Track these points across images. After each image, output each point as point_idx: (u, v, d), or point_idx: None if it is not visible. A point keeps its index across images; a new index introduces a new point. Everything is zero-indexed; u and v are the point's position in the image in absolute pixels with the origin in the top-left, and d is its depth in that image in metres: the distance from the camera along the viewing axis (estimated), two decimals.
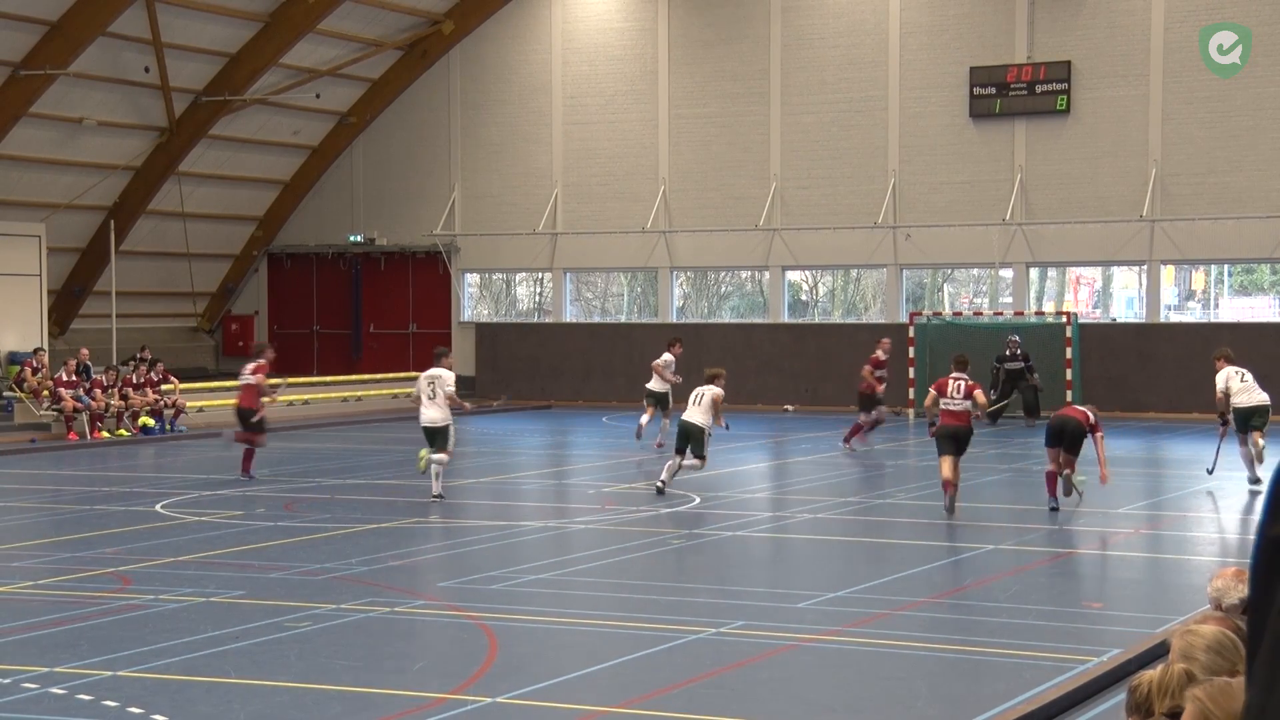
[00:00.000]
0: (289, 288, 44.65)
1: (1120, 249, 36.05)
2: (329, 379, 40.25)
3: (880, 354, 28.22)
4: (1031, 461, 26.15)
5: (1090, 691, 10.49)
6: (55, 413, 31.36)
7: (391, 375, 41.11)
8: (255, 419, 24.02)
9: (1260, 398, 21.98)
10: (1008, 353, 33.60)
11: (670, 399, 28.22)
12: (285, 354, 44.38)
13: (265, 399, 24.34)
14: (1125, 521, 19.55)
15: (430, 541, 17.40)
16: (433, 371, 21.74)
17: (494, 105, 41.62)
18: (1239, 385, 22.07)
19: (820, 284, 41.56)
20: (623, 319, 42.03)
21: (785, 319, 39.44)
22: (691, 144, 39.56)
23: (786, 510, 20.35)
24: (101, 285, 38.43)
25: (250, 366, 24.39)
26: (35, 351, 33.21)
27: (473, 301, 43.58)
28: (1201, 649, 4.21)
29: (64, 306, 39.20)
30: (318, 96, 40.12)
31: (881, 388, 27.72)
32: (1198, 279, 38.46)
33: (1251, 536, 2.82)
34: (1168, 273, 37.10)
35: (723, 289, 42.52)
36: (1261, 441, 21.79)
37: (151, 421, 32.21)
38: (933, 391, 19.76)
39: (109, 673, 11.03)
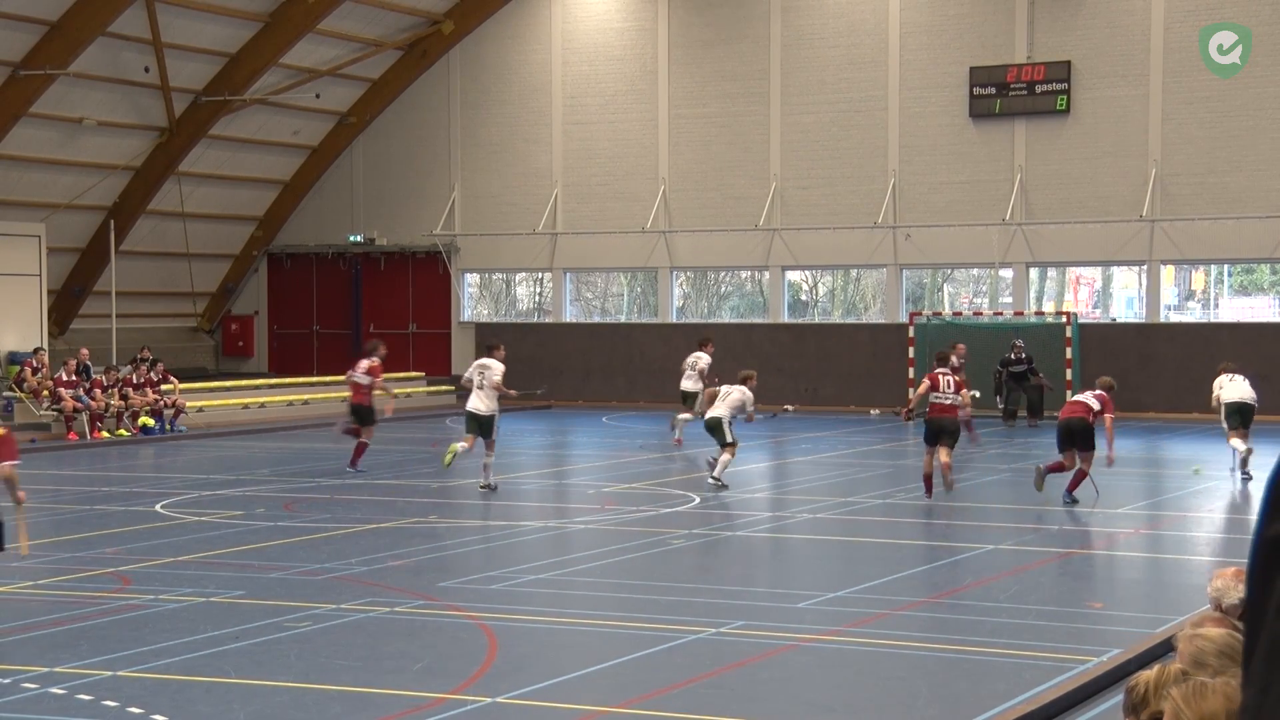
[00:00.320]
0: (289, 288, 44.65)
1: (1120, 249, 36.05)
2: (329, 379, 40.22)
3: (955, 360, 27.30)
4: (1032, 461, 26.16)
5: (1090, 691, 10.50)
6: (55, 413, 31.37)
7: (391, 375, 41.05)
8: (369, 414, 24.86)
9: (1244, 393, 23.00)
10: (1011, 356, 33.57)
11: (699, 399, 28.00)
12: (285, 354, 44.46)
13: (378, 392, 25.15)
14: (1125, 521, 19.56)
15: (430, 541, 17.40)
16: (483, 361, 22.48)
17: (494, 105, 41.62)
18: (1227, 382, 23.33)
19: (820, 284, 41.57)
20: (623, 319, 42.03)
21: (785, 319, 39.45)
22: (691, 144, 39.57)
23: (786, 510, 20.35)
24: (101, 285, 38.43)
25: (364, 365, 25.22)
26: (35, 351, 33.22)
27: (473, 301, 43.58)
28: (1213, 654, 4.22)
29: (64, 306, 39.20)
30: (318, 96, 40.12)
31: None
32: (1198, 279, 38.47)
33: (1250, 536, 2.82)
34: (1168, 273, 37.10)
35: (723, 289, 42.53)
36: (1243, 445, 22.73)
37: (151, 421, 32.21)
38: (926, 383, 20.93)
39: (109, 673, 11.04)
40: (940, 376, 20.80)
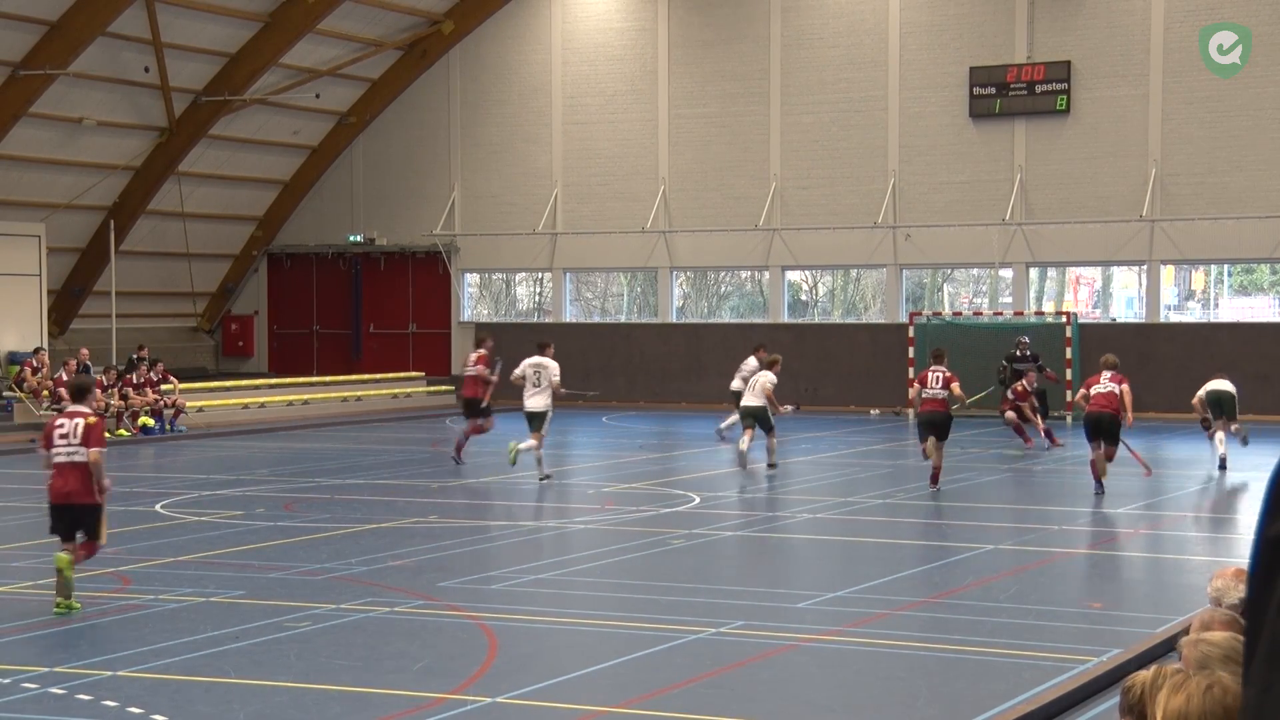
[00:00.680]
0: (289, 288, 44.65)
1: (1120, 249, 36.05)
2: (329, 379, 40.27)
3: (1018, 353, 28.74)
4: (1032, 461, 26.17)
5: (1090, 691, 10.50)
6: (55, 413, 31.34)
7: (391, 375, 41.16)
8: (483, 406, 25.16)
9: (1224, 385, 24.64)
10: (1017, 353, 33.48)
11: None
12: (285, 354, 44.46)
13: (488, 384, 25.46)
14: (1125, 521, 19.56)
15: (430, 541, 17.40)
16: (536, 359, 23.25)
17: (494, 105, 41.62)
18: (1213, 379, 25.06)
19: (820, 284, 41.57)
20: (622, 319, 42.03)
21: (785, 319, 39.45)
22: (691, 144, 39.57)
23: (786, 510, 20.35)
24: (101, 285, 38.43)
25: (473, 357, 25.73)
26: (35, 351, 33.22)
27: (472, 301, 43.58)
28: (1218, 659, 4.22)
29: (64, 306, 39.20)
30: (317, 96, 40.13)
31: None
32: (1197, 279, 38.47)
33: (1250, 536, 2.83)
34: (1167, 273, 37.10)
35: (722, 289, 42.53)
36: (1223, 434, 24.23)
37: (151, 421, 32.21)
38: (916, 383, 22.60)
39: (109, 673, 11.04)
40: (929, 373, 22.12)
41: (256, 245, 43.84)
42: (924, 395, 21.89)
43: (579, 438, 33.08)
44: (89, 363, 32.87)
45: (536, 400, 22.91)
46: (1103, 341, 35.53)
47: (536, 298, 43.70)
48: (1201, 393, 24.96)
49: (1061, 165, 36.19)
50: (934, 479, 21.57)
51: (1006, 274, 37.63)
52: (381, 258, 43.35)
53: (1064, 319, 35.30)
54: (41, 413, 31.66)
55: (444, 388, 41.18)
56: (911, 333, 35.82)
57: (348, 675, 10.96)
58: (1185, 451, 27.43)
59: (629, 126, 40.13)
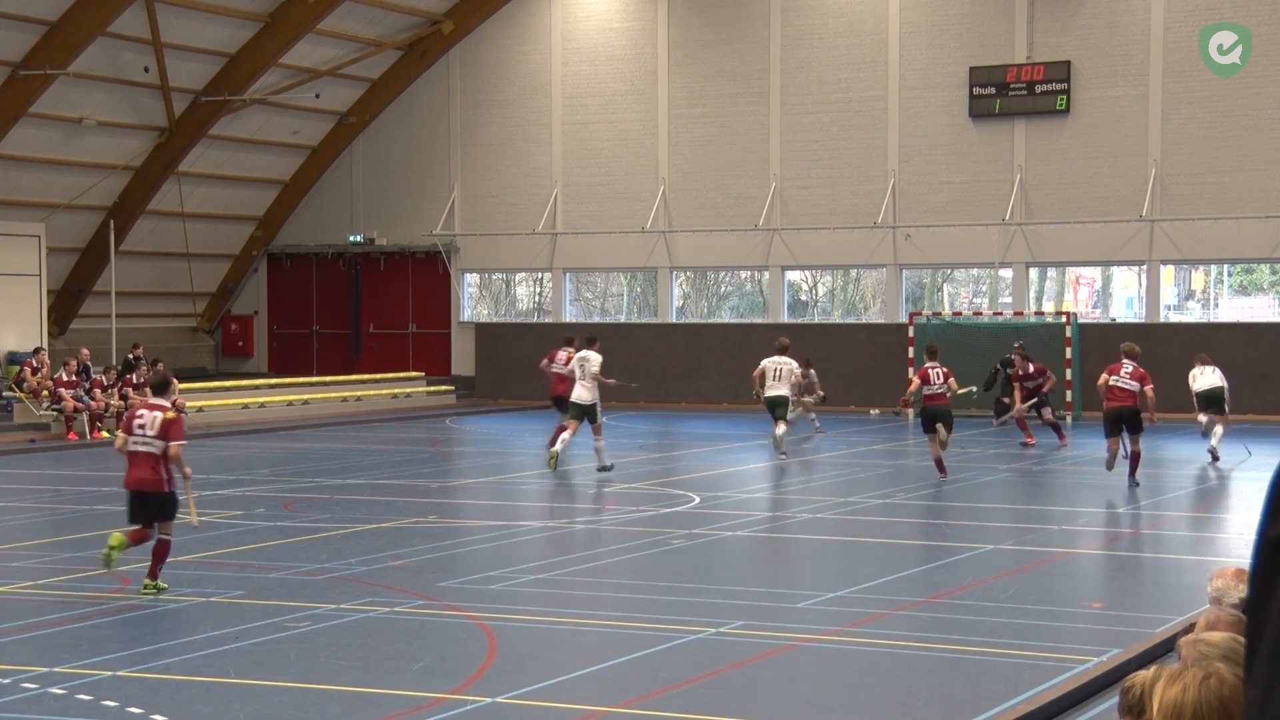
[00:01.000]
0: (289, 288, 44.65)
1: (1120, 249, 36.05)
2: (329, 379, 40.28)
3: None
4: (1031, 462, 26.17)
5: (1090, 691, 10.49)
6: (55, 413, 31.37)
7: (391, 375, 41.16)
8: (565, 402, 25.93)
9: (1212, 382, 25.72)
10: (1012, 358, 33.49)
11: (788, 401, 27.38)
12: (285, 354, 44.47)
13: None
14: (1125, 521, 19.56)
15: (430, 541, 17.40)
16: (582, 353, 24.56)
17: (494, 105, 41.62)
18: (1199, 375, 25.93)
19: (820, 284, 41.57)
20: (622, 319, 42.02)
21: (785, 319, 39.43)
22: (691, 144, 39.57)
23: (786, 510, 20.35)
24: (101, 285, 38.43)
25: (562, 356, 26.66)
26: (35, 351, 33.22)
27: (472, 301, 43.58)
28: (1216, 659, 4.22)
29: (64, 306, 39.20)
30: (317, 96, 40.12)
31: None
32: (1197, 279, 38.48)
33: (1251, 535, 2.83)
34: (1167, 273, 37.10)
35: (722, 289, 42.53)
36: (1219, 428, 25.32)
37: None
38: (916, 380, 23.58)
39: (109, 673, 11.04)
40: (930, 370, 23.25)
41: (256, 245, 43.84)
42: (925, 391, 23.07)
43: (579, 437, 33.05)
44: (89, 363, 32.89)
45: (582, 392, 24.14)
46: (1103, 341, 35.55)
47: (536, 298, 43.70)
48: (1192, 385, 25.89)
49: (1061, 165, 36.19)
50: (941, 469, 22.64)
51: (1006, 274, 37.63)
52: (381, 258, 43.35)
53: (1064, 319, 35.29)
54: (41, 413, 31.67)
55: (444, 388, 41.21)
56: (911, 333, 35.80)
57: (348, 675, 10.96)
58: (1185, 451, 27.43)
59: (629, 126, 40.13)
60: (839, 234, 38.03)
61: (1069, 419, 33.44)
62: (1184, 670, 3.54)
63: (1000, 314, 36.25)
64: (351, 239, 43.26)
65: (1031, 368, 29.37)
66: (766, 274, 39.77)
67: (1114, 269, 38.32)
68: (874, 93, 37.70)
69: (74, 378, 31.52)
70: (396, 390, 40.09)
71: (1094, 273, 39.01)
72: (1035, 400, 29.21)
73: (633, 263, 40.80)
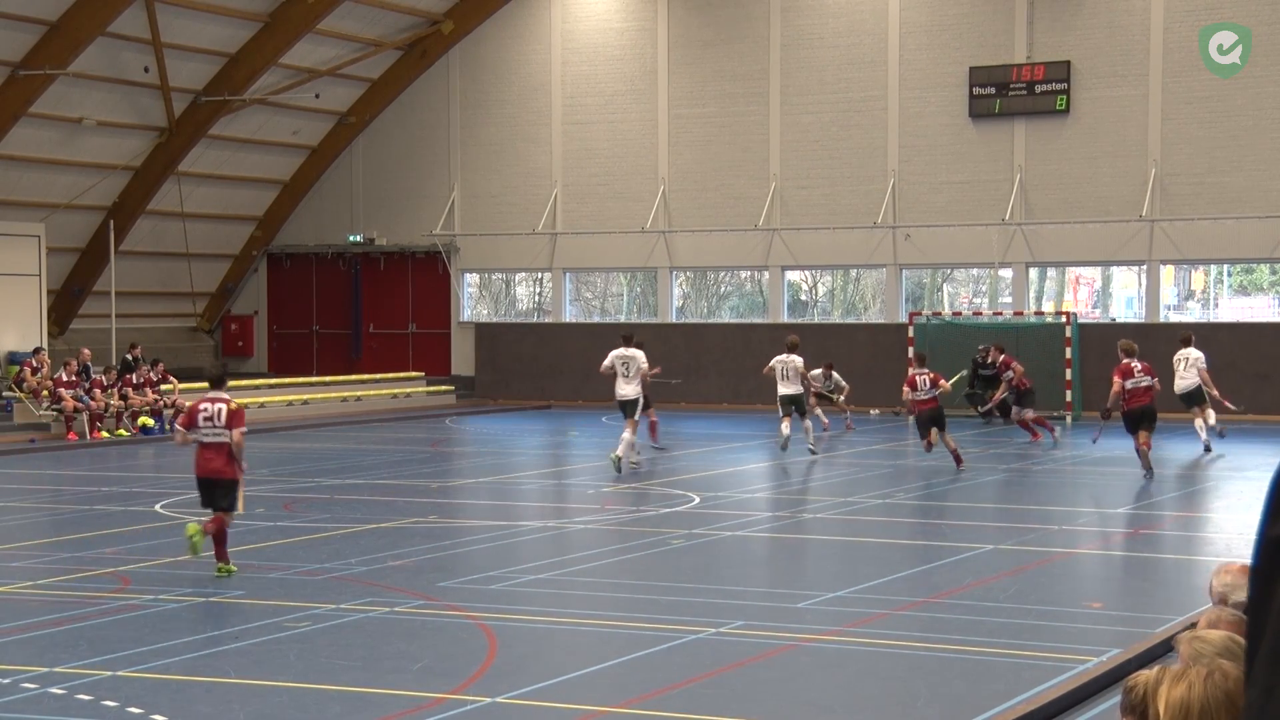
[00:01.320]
0: (288, 288, 44.65)
1: (1120, 249, 36.05)
2: (329, 379, 40.28)
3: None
4: (1031, 462, 26.18)
5: (1090, 691, 10.49)
6: (55, 413, 31.37)
7: (391, 375, 41.16)
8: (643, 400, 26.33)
9: (1187, 384, 26.92)
10: (982, 359, 33.89)
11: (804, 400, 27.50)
12: (285, 354, 44.46)
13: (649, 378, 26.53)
14: (1125, 521, 19.56)
15: (430, 541, 17.40)
16: (624, 351, 24.83)
17: (494, 105, 41.62)
18: (1181, 370, 26.91)
19: (820, 284, 41.57)
20: (622, 319, 42.01)
21: (785, 319, 39.43)
22: (691, 144, 39.57)
23: (786, 510, 20.35)
24: (101, 285, 38.43)
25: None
26: (35, 351, 33.21)
27: (472, 301, 43.58)
28: (1214, 657, 4.22)
29: (63, 306, 39.19)
30: (317, 96, 40.12)
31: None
32: (1197, 279, 38.47)
33: (1251, 534, 2.83)
34: (1167, 273, 37.10)
35: (722, 289, 42.52)
36: (1201, 422, 26.62)
37: (151, 421, 32.21)
38: (906, 388, 24.98)
39: (109, 673, 11.04)
40: (917, 377, 24.73)
41: (256, 245, 43.83)
42: (914, 397, 24.59)
43: (579, 438, 33.07)
44: (90, 363, 32.89)
45: (628, 389, 24.49)
46: (1103, 341, 35.55)
47: (536, 298, 43.70)
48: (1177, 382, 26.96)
49: (1061, 165, 36.18)
50: (958, 460, 23.96)
51: (1006, 274, 37.62)
52: (381, 258, 43.35)
53: (1064, 319, 35.28)
54: (41, 413, 31.67)
55: (444, 388, 41.21)
56: (911, 333, 35.79)
57: (348, 675, 10.96)
58: (1184, 451, 27.43)
59: (629, 126, 40.13)
60: (839, 234, 38.03)
61: (1068, 419, 33.43)
62: (1187, 669, 3.54)
63: (1000, 314, 36.24)
64: (351, 239, 43.26)
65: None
66: (766, 274, 39.77)
67: (1114, 269, 38.32)
68: (874, 93, 37.70)
69: (74, 378, 31.51)
70: (396, 390, 40.09)
71: (1094, 273, 39.00)
72: (1013, 398, 29.53)
73: (633, 263, 40.80)
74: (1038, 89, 36.12)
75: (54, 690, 10.56)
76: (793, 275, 40.58)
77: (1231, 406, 27.83)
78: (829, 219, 38.06)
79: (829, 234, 38.09)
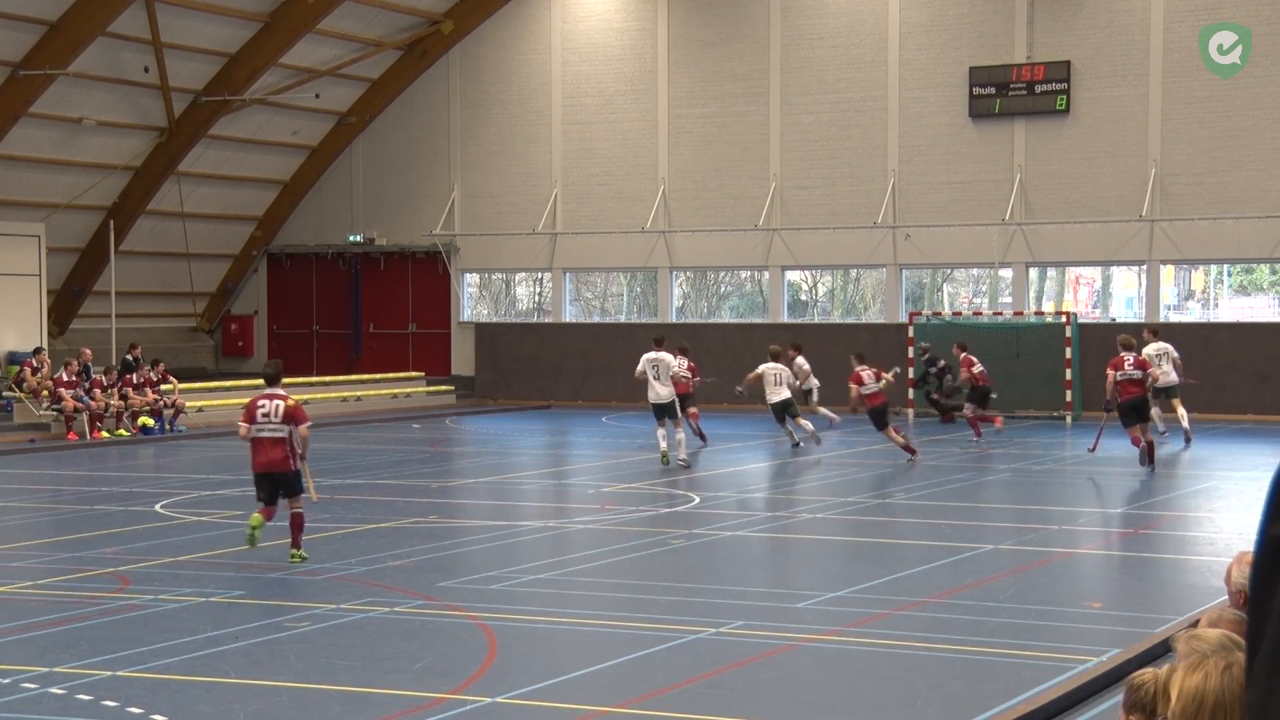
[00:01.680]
0: (288, 288, 44.65)
1: (1120, 249, 36.05)
2: (329, 379, 40.27)
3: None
4: (1031, 462, 26.18)
5: (1090, 691, 10.49)
6: (55, 413, 31.37)
7: (391, 375, 41.15)
8: (688, 398, 27.09)
9: (1169, 380, 27.96)
10: (930, 362, 34.52)
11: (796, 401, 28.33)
12: (285, 354, 44.44)
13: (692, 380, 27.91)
14: (1125, 521, 19.56)
15: (430, 541, 17.40)
16: (654, 355, 25.02)
17: (494, 105, 41.62)
18: (1160, 371, 27.13)
19: (820, 284, 41.57)
20: (622, 319, 42.02)
21: (785, 319, 39.44)
22: (691, 144, 39.56)
23: (786, 510, 20.35)
24: (101, 285, 38.43)
25: (684, 362, 27.60)
26: (35, 351, 33.21)
27: (472, 301, 43.58)
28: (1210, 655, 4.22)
29: (63, 306, 39.20)
30: (317, 96, 40.12)
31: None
32: (1197, 279, 38.47)
33: (1251, 535, 2.82)
34: (1167, 273, 37.10)
35: (722, 289, 42.52)
36: (1182, 412, 27.79)
37: (151, 421, 32.21)
38: (854, 386, 25.54)
39: (109, 673, 11.04)
40: (862, 373, 25.57)
41: (256, 245, 43.84)
42: (864, 392, 25.40)
43: (579, 438, 33.08)
44: (90, 363, 32.89)
45: (661, 392, 24.67)
46: (1103, 341, 35.55)
47: (536, 298, 43.71)
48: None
49: (1061, 165, 36.18)
50: (911, 451, 24.99)
51: (1006, 274, 37.62)
52: (381, 258, 43.35)
53: (1064, 319, 35.28)
54: (41, 413, 31.67)
55: (444, 388, 41.20)
56: (911, 332, 35.80)
57: (348, 675, 10.96)
58: (1185, 451, 27.42)
59: (629, 126, 40.13)
60: (839, 234, 38.03)
61: (1068, 419, 33.44)
62: (1205, 658, 3.53)
63: (1000, 314, 36.24)
64: (351, 239, 43.26)
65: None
66: (766, 274, 39.77)
67: (1114, 269, 38.32)
68: (874, 93, 37.70)
69: (74, 378, 31.51)
70: (396, 390, 40.09)
71: (1094, 273, 39.00)
72: (966, 393, 29.96)
73: (632, 263, 40.80)
74: (1038, 89, 36.12)
75: (54, 690, 10.55)
76: (793, 275, 40.58)
77: (1192, 381, 29.72)
78: (829, 219, 38.06)
79: (829, 234, 38.09)
